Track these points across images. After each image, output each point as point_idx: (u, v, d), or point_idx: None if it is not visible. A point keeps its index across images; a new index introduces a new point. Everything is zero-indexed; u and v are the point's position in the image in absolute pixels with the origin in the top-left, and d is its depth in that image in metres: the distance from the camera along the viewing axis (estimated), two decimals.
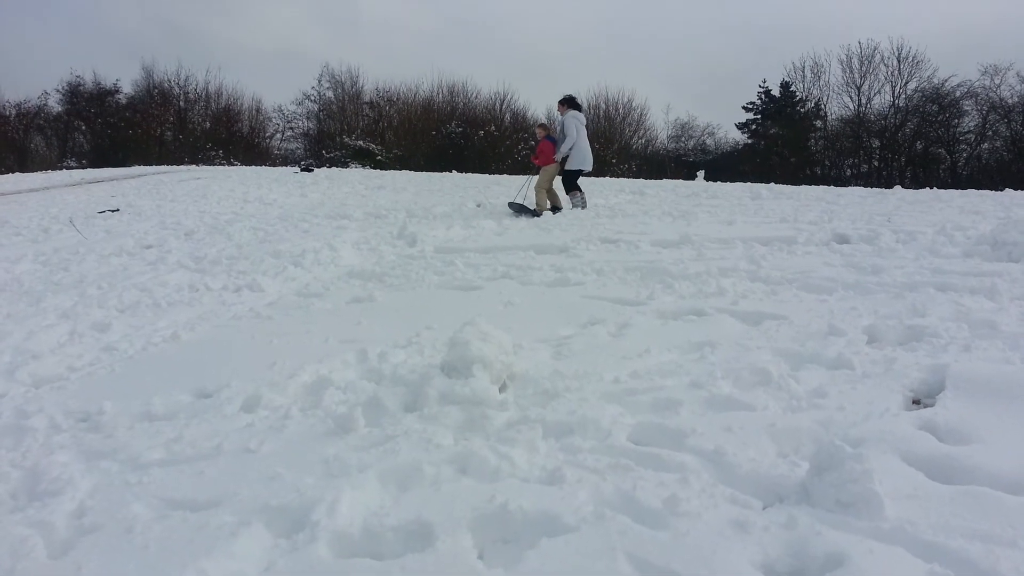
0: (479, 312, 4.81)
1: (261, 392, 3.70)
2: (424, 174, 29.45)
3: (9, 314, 6.28)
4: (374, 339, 4.56)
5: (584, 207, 11.18)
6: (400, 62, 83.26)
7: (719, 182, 19.32)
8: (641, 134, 52.38)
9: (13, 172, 36.47)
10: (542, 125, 12.10)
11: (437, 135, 47.49)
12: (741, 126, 50.02)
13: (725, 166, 42.90)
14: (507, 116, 51.84)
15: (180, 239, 10.48)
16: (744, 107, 49.75)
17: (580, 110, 11.52)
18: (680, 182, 19.90)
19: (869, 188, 17.29)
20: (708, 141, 52.59)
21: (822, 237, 7.21)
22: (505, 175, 29.14)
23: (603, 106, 50.28)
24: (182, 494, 2.72)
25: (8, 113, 50.60)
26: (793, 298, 5.06)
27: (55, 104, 51.82)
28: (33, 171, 37.53)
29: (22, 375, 4.68)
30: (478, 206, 12.66)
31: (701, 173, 21.32)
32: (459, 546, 2.21)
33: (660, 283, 5.62)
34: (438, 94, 52.18)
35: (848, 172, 44.62)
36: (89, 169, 36.71)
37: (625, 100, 50.98)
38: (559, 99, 11.52)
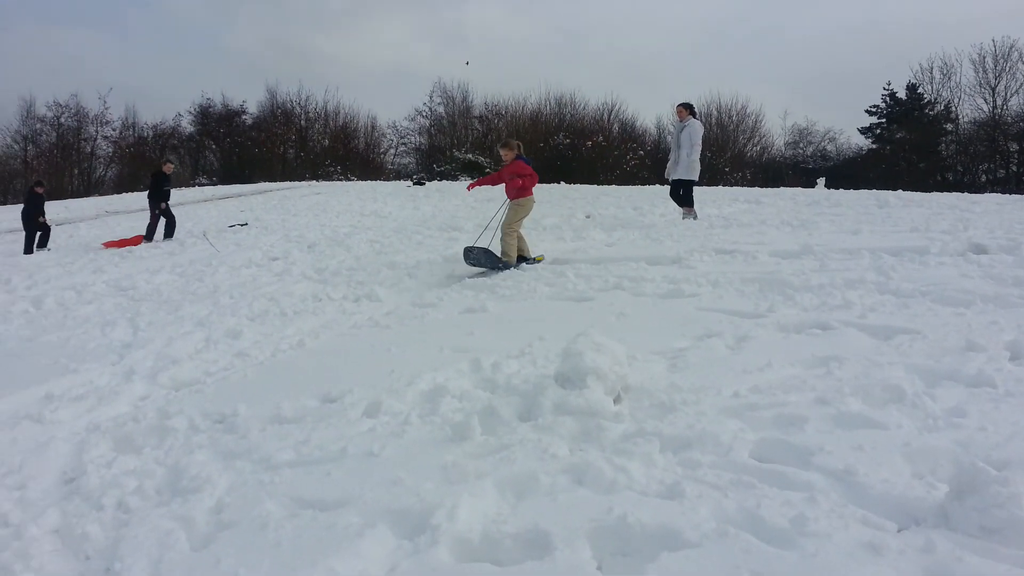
0: (591, 323, 4.79)
1: (381, 398, 3.83)
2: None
3: (151, 322, 6.78)
4: (487, 349, 4.62)
5: (696, 218, 10.93)
6: (508, 75, 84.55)
7: (841, 189, 18.44)
8: (756, 141, 50.92)
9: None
10: (507, 144, 8.38)
11: (545, 147, 47.79)
12: (864, 130, 47.77)
13: (847, 173, 41.01)
14: (615, 126, 51.63)
15: (303, 251, 11.02)
16: (867, 111, 47.53)
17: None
18: (799, 190, 19.12)
19: (1007, 195, 16.06)
20: (829, 147, 50.51)
21: (957, 247, 6.75)
22: (614, 185, 28.95)
23: (715, 113, 49.22)
24: (311, 494, 2.84)
25: (146, 134, 54.95)
26: (927, 311, 4.75)
27: (187, 125, 55.84)
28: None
29: (164, 379, 5.04)
30: (587, 217, 12.63)
31: (821, 180, 20.47)
32: (578, 557, 2.20)
33: (780, 295, 5.42)
34: (545, 106, 52.64)
35: (983, 178, 41.65)
36: (219, 186, 39.21)
37: (739, 107, 49.70)
38: (679, 104, 11.15)
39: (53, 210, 22.75)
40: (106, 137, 54.51)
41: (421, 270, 8.10)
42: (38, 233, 15.15)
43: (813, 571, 2.04)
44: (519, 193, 8.17)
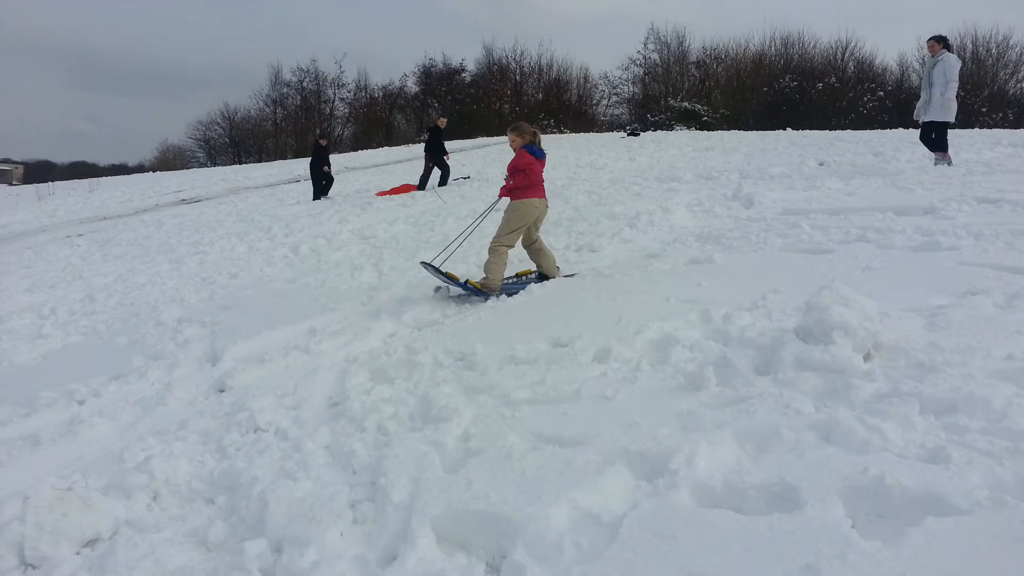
0: (832, 277, 4.48)
1: (611, 345, 3.88)
2: (755, 133, 28.11)
3: (392, 267, 7.36)
4: (716, 300, 4.49)
5: (951, 164, 9.75)
6: (728, 16, 79.92)
7: None
8: (1021, 76, 44.19)
9: (382, 147, 42.34)
10: (517, 128, 6.05)
11: (769, 91, 44.91)
12: None
13: None
14: (850, 66, 47.20)
15: None
16: None
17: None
18: None
19: None
20: None
21: None
22: (848, 130, 26.65)
23: (970, 46, 43.30)
24: (550, 430, 2.97)
25: (376, 95, 59.11)
26: None
27: (412, 85, 59.25)
28: (397, 145, 43.18)
29: (407, 318, 5.48)
30: (820, 164, 11.75)
31: None
32: (830, 513, 2.10)
33: None
34: (770, 47, 49.29)
35: None
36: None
37: (999, 38, 43.30)
38: (931, 38, 9.91)
39: (300, 168, 25.34)
40: (342, 99, 59.50)
41: (641, 220, 8.02)
42: (323, 182, 16.30)
43: None
44: (518, 193, 5.86)
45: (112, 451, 4.04)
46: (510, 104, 56.70)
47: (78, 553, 3.07)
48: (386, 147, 40.44)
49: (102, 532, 3.17)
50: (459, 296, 5.92)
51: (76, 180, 35.98)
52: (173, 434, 3.95)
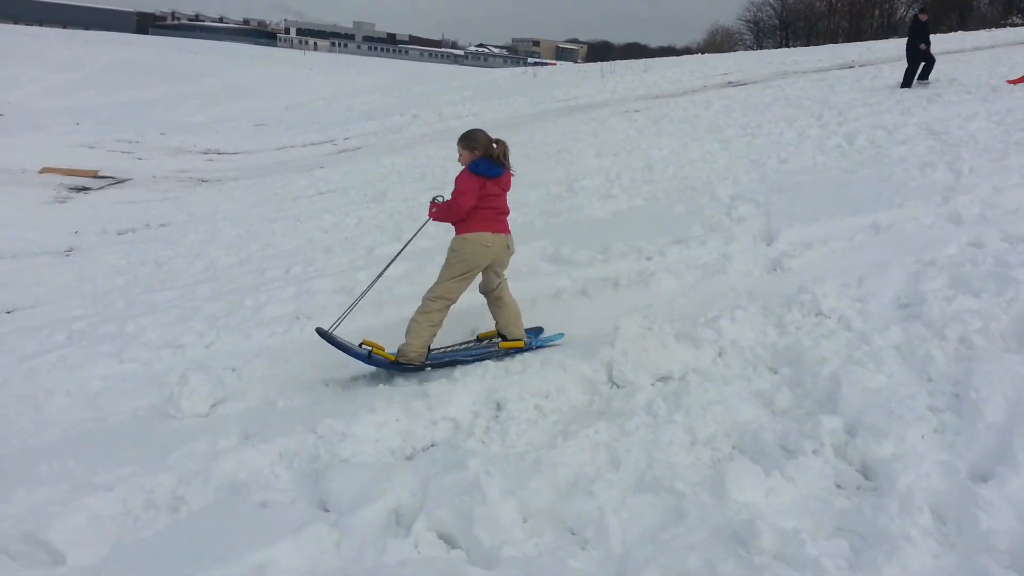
0: None
1: None
2: None
3: (972, 168, 6.42)
4: None
5: None
6: None
7: None
8: None
9: (955, 31, 36.47)
10: (466, 138, 4.18)
11: None
12: None
13: None
14: None
15: None
16: None
17: None
18: None
19: None
20: None
21: None
22: None
23: None
24: None
25: None
26: None
27: None
28: (975, 29, 36.74)
29: (992, 228, 4.76)
30: None
31: None
32: None
33: None
34: None
35: None
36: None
37: None
38: None
39: (852, 52, 23.41)
40: None
41: None
42: (921, 64, 13.75)
43: None
44: (463, 223, 4.16)
45: (677, 304, 4.52)
46: None
47: (652, 385, 3.56)
48: (960, 31, 34.74)
49: (673, 372, 3.61)
50: None
51: (631, 60, 39.40)
52: (733, 300, 4.21)
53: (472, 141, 4.12)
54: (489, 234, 4.10)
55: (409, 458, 3.24)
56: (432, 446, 3.31)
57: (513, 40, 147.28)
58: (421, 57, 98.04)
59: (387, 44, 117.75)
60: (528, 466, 2.68)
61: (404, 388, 3.75)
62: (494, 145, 4.12)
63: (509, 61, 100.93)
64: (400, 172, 13.14)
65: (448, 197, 4.15)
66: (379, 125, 23.46)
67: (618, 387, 3.57)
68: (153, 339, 5.42)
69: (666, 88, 21.94)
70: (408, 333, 4.10)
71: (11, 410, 4.71)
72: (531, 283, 5.27)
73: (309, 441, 3.32)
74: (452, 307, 4.17)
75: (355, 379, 4.27)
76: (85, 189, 14.46)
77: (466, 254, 4.09)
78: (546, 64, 61.82)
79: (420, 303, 4.14)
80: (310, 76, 43.18)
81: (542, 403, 3.42)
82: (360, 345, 4.17)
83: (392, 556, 2.34)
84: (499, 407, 3.42)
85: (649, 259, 5.40)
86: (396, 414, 3.45)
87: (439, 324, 4.15)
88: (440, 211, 4.14)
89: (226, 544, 2.48)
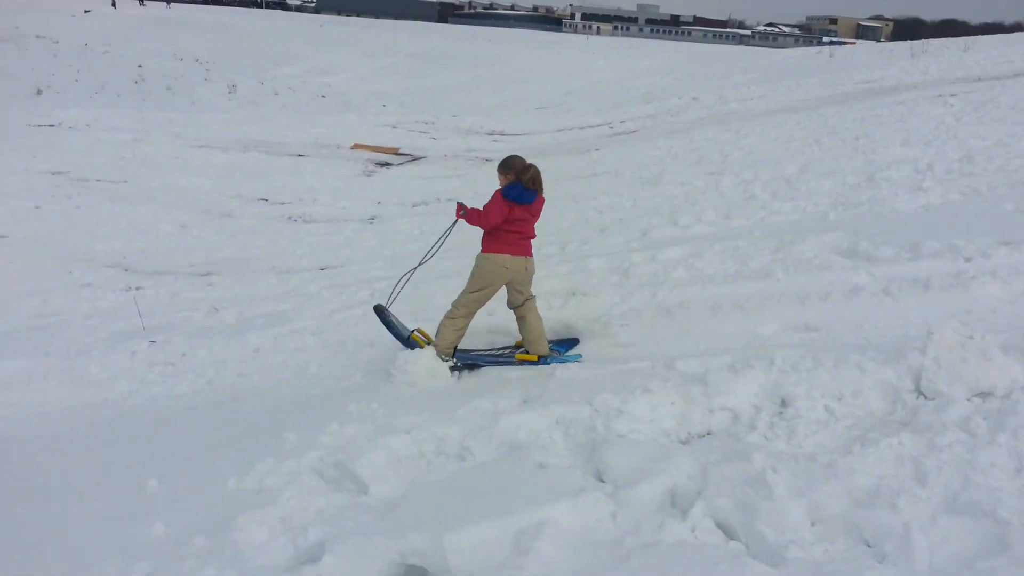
0: None
1: None
2: None
3: None
4: None
5: None
6: None
7: None
8: None
9: None
10: (504, 164, 4.51)
11: None
12: None
13: None
14: None
15: None
16: None
17: None
18: None
19: None
20: None
21: None
22: None
23: None
24: None
25: None
26: None
27: None
28: None
29: None
30: None
31: None
32: None
33: None
34: None
35: None
36: None
37: None
38: None
39: None
40: None
41: None
42: None
43: None
44: (488, 242, 4.54)
45: (1003, 313, 3.92)
46: None
47: (969, 400, 3.12)
48: None
49: (996, 388, 3.14)
50: None
51: (947, 39, 34.84)
52: None
53: (506, 167, 4.49)
54: (509, 256, 4.49)
55: (684, 442, 3.19)
56: (708, 434, 3.22)
57: (807, 18, 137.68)
58: (705, 38, 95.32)
59: (670, 26, 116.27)
60: (820, 469, 2.50)
61: (682, 371, 3.68)
62: (527, 169, 4.45)
63: (801, 40, 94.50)
64: (676, 155, 12.92)
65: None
66: (657, 107, 23.24)
67: (926, 398, 3.19)
68: (443, 303, 5.92)
69: (991, 69, 19.07)
70: (437, 334, 4.68)
71: (326, 354, 5.43)
72: (822, 278, 4.90)
73: (585, 412, 3.41)
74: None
75: (630, 357, 4.28)
76: (387, 164, 16.14)
77: (485, 271, 4.53)
78: (844, 43, 56.98)
79: (449, 308, 4.67)
80: (591, 60, 43.98)
81: (833, 405, 3.17)
82: (411, 332, 4.86)
83: (669, 535, 2.32)
84: (784, 403, 3.23)
85: (968, 260, 4.76)
86: (672, 397, 3.41)
87: (463, 329, 4.66)
88: (471, 215, 4.49)
89: (508, 497, 2.62)
